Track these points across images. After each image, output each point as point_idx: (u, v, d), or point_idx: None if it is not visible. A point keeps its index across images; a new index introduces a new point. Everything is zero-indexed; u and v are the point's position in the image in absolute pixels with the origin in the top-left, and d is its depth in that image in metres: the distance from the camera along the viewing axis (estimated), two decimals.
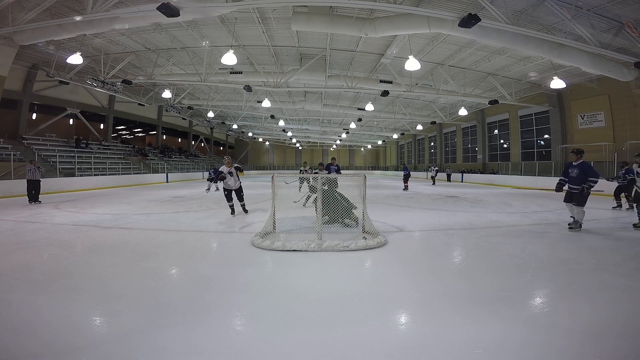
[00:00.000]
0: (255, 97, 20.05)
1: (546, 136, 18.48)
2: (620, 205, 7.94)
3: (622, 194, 7.89)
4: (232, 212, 7.10)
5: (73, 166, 16.36)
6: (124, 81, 14.93)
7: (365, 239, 4.51)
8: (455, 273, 3.44)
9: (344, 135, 35.23)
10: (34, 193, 9.42)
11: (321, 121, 29.15)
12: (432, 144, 32.45)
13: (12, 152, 14.04)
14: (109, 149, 21.98)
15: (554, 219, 6.47)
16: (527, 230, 5.49)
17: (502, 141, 22.48)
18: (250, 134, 38.15)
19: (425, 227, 5.87)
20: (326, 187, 5.54)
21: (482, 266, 3.60)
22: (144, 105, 20.89)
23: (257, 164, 47.10)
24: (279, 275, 3.41)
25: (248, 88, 15.11)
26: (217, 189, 13.93)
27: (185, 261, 3.79)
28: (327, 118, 27.74)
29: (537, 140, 19.34)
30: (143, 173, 20.94)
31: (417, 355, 1.89)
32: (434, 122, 24.92)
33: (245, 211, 7.29)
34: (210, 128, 36.64)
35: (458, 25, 7.90)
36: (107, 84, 14.59)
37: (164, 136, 31.14)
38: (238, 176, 7.19)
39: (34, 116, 18.83)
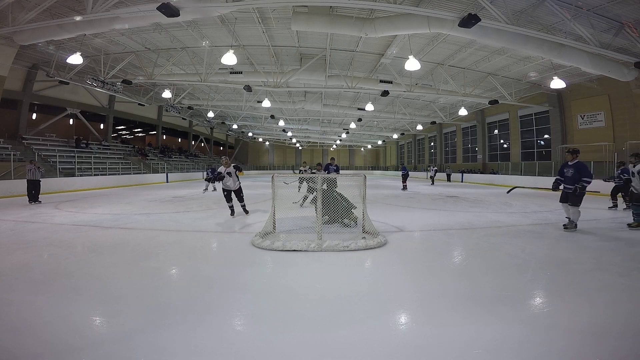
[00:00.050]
0: (255, 97, 20.05)
1: (546, 136, 18.49)
2: (616, 205, 7.95)
3: (619, 194, 7.89)
4: (232, 212, 7.00)
5: (73, 166, 16.36)
6: (124, 81, 14.93)
7: (365, 239, 4.51)
8: (455, 273, 3.44)
9: (344, 135, 35.23)
10: (34, 193, 9.42)
11: (321, 121, 29.14)
12: (432, 144, 32.45)
13: (12, 152, 14.04)
14: (109, 149, 21.98)
15: (554, 219, 6.47)
16: (527, 230, 5.49)
17: (502, 141, 22.48)
18: (250, 134, 38.15)
19: (425, 227, 5.87)
20: (325, 187, 5.54)
21: (482, 266, 3.60)
22: (144, 105, 20.88)
23: (257, 164, 47.10)
24: (279, 275, 3.41)
25: (248, 88, 15.11)
26: (215, 189, 13.92)
27: (185, 261, 3.79)
28: (327, 118, 27.74)
29: (537, 140, 19.34)
30: (143, 173, 20.94)
31: (417, 355, 1.89)
32: (434, 122, 24.91)
33: (246, 212, 7.21)
34: (210, 128, 36.64)
35: (458, 25, 7.90)
36: (107, 84, 14.59)
37: (164, 136, 31.14)
38: (237, 176, 7.08)
39: (34, 116, 18.82)
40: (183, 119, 27.33)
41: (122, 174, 18.74)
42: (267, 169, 44.94)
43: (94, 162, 17.72)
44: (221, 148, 44.04)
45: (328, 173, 9.03)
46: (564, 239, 4.87)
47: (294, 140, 42.77)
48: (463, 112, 18.72)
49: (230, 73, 13.77)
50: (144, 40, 12.50)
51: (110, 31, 10.68)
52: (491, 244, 4.62)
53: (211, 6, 7.76)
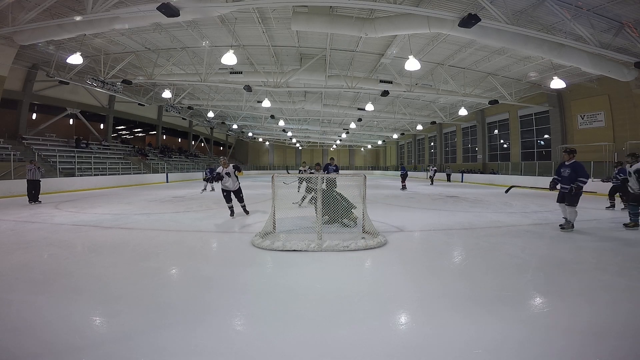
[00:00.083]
0: (255, 97, 20.05)
1: (546, 136, 18.49)
2: (613, 205, 7.94)
3: (617, 194, 7.89)
4: (232, 213, 6.90)
5: (73, 166, 16.36)
6: (124, 81, 14.93)
7: (365, 239, 4.51)
8: (455, 273, 3.44)
9: (344, 135, 35.23)
10: (34, 193, 9.42)
11: (321, 121, 29.14)
12: (432, 144, 32.45)
13: (12, 152, 14.05)
14: (109, 149, 21.99)
15: (554, 219, 6.46)
16: (527, 230, 5.49)
17: (502, 141, 22.48)
18: (250, 134, 38.15)
19: (425, 227, 5.87)
20: (325, 187, 5.53)
21: (482, 266, 3.60)
22: (144, 105, 20.88)
23: (257, 164, 47.09)
24: (279, 275, 3.41)
25: (248, 88, 15.11)
26: (213, 189, 13.90)
27: (185, 261, 3.79)
28: (327, 118, 27.74)
29: (537, 140, 19.34)
30: (143, 173, 20.94)
31: (417, 355, 1.89)
32: (434, 122, 24.92)
33: (246, 212, 7.14)
34: (210, 128, 36.64)
35: (458, 25, 7.90)
36: (107, 84, 14.59)
37: (164, 136, 31.14)
38: (237, 176, 6.99)
39: (34, 116, 18.82)
40: (183, 119, 27.32)
41: (122, 174, 18.74)
42: (267, 169, 44.93)
43: (94, 162, 17.72)
44: (221, 148, 44.03)
45: (327, 173, 9.02)
46: (564, 239, 4.87)
47: (294, 140, 42.77)
48: (463, 112, 18.72)
49: (230, 73, 13.77)
50: (144, 40, 12.50)
51: (110, 31, 10.68)
52: (491, 244, 4.62)
53: (211, 6, 7.76)
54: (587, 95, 15.34)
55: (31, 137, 17.24)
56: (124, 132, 30.73)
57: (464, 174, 23.37)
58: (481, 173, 22.45)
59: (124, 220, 6.51)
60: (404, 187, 15.57)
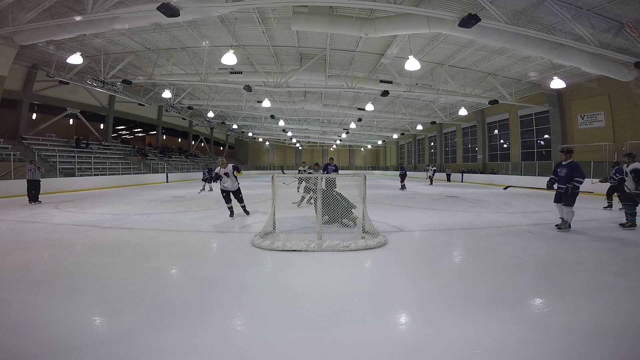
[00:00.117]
0: (255, 97, 20.05)
1: (546, 136, 18.49)
2: (611, 205, 7.94)
3: (615, 194, 7.90)
4: (231, 214, 6.81)
5: (73, 166, 16.36)
6: (124, 81, 14.93)
7: (365, 239, 4.51)
8: (455, 273, 3.44)
9: (344, 135, 35.23)
10: (34, 193, 9.42)
11: (321, 121, 29.14)
12: (432, 144, 32.45)
13: (12, 152, 14.05)
14: (109, 149, 21.99)
15: (554, 219, 6.44)
16: (527, 230, 5.49)
17: (502, 141, 22.48)
18: (250, 134, 38.14)
19: (425, 227, 5.87)
20: (325, 187, 5.53)
21: (482, 266, 3.60)
22: (144, 105, 20.88)
23: (257, 164, 47.10)
24: (279, 275, 3.41)
25: (248, 88, 15.11)
26: (211, 189, 13.89)
27: (185, 261, 3.79)
28: (327, 118, 27.73)
29: (537, 140, 19.34)
30: (143, 173, 20.94)
31: (417, 355, 1.89)
32: (434, 122, 24.91)
33: (247, 212, 7.06)
34: (210, 128, 36.64)
35: (458, 25, 7.89)
36: (107, 84, 14.59)
37: (164, 136, 31.14)
38: (236, 177, 6.88)
39: (34, 116, 18.83)
40: (183, 119, 27.33)
41: (122, 174, 18.74)
42: (267, 169, 44.93)
43: (94, 162, 17.73)
44: (221, 148, 44.04)
45: (327, 173, 9.01)
46: (563, 239, 4.87)
47: (294, 140, 42.77)
48: (463, 112, 18.72)
49: (230, 73, 13.76)
50: (144, 40, 12.50)
51: (110, 31, 10.68)
52: (491, 244, 4.62)
53: (211, 6, 7.76)
54: (587, 95, 15.35)
55: (31, 137, 17.24)
56: (124, 132, 30.74)
57: (464, 174, 23.37)
58: (481, 173, 22.44)
59: (124, 220, 6.51)
60: (403, 187, 15.58)
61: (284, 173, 7.77)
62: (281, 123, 26.73)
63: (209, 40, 12.13)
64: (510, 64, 13.80)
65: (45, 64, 15.16)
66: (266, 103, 17.59)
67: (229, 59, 9.93)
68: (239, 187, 6.93)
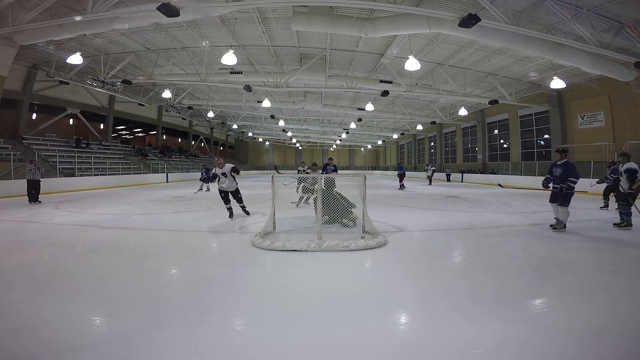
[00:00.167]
0: (255, 97, 20.05)
1: (546, 136, 18.48)
2: (607, 205, 7.94)
3: (612, 194, 7.90)
4: (230, 215, 6.67)
5: (73, 166, 16.36)
6: (124, 81, 14.93)
7: (365, 238, 4.51)
8: (455, 273, 3.44)
9: (344, 135, 35.23)
10: (34, 193, 9.42)
11: (321, 121, 29.14)
12: (432, 144, 32.45)
13: (12, 152, 14.04)
14: (109, 149, 21.98)
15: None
16: (527, 230, 5.49)
17: (502, 141, 22.48)
18: (250, 134, 38.15)
19: (425, 227, 5.87)
20: (324, 187, 5.53)
21: (482, 266, 3.60)
22: (144, 105, 20.88)
23: (257, 164, 47.11)
24: (279, 275, 3.41)
25: (248, 88, 15.11)
26: (208, 189, 13.87)
27: (185, 261, 3.79)
28: (327, 118, 27.74)
29: (537, 140, 19.34)
30: (143, 173, 20.94)
31: (417, 355, 1.89)
32: (434, 122, 24.91)
33: (247, 213, 6.98)
34: (210, 128, 36.63)
35: (458, 25, 7.90)
36: (107, 84, 14.60)
37: (164, 136, 31.13)
38: (234, 177, 6.75)
39: (34, 116, 18.82)
40: (183, 119, 27.32)
41: (122, 174, 18.73)
42: (267, 169, 44.93)
43: (94, 162, 17.72)
44: (221, 148, 44.02)
45: (326, 173, 9.00)
46: (563, 239, 4.87)
47: (294, 140, 42.78)
48: (463, 112, 18.72)
49: (230, 73, 13.76)
50: (144, 40, 12.50)
51: (110, 31, 10.68)
52: (491, 244, 4.62)
53: (211, 6, 7.76)
54: (587, 95, 15.35)
55: (31, 137, 17.23)
56: (124, 132, 30.73)
57: (464, 174, 23.37)
58: (481, 173, 22.44)
59: (124, 220, 6.50)
60: (401, 187, 15.56)
61: (278, 172, 7.68)
62: (281, 123, 26.73)
63: (209, 40, 12.13)
64: (510, 64, 13.80)
65: (45, 64, 15.16)
66: (266, 103, 17.59)
67: (229, 59, 9.93)
68: (237, 188, 6.83)
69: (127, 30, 11.10)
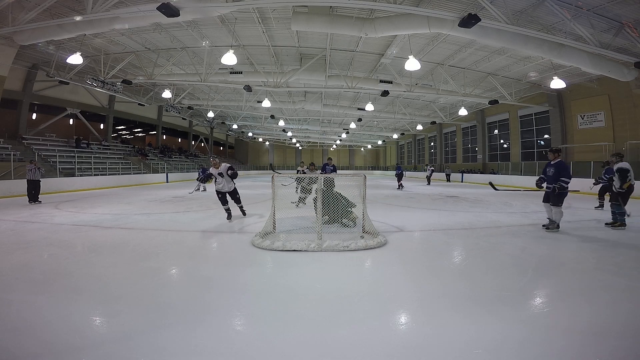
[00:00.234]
0: (255, 97, 20.05)
1: (546, 136, 18.49)
2: (602, 205, 7.94)
3: (607, 194, 7.91)
4: (229, 216, 6.50)
5: (73, 166, 16.36)
6: (124, 81, 14.93)
7: (365, 238, 4.51)
8: (455, 273, 3.44)
9: (344, 135, 35.23)
10: (34, 193, 9.42)
11: (321, 121, 29.14)
12: (432, 144, 32.45)
13: (12, 152, 14.04)
14: (109, 149, 21.98)
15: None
16: (527, 230, 5.49)
17: (502, 141, 22.48)
18: (250, 134, 38.15)
19: (425, 227, 5.87)
20: (324, 187, 5.53)
21: (482, 266, 3.60)
22: (144, 105, 20.88)
23: (257, 164, 47.10)
24: (279, 275, 3.41)
25: (248, 88, 15.11)
26: (205, 189, 13.85)
27: (185, 261, 3.79)
28: (327, 118, 27.74)
29: (537, 140, 19.34)
30: (143, 173, 20.94)
31: (417, 355, 1.89)
32: (434, 122, 24.91)
33: (244, 213, 6.88)
34: (210, 128, 36.65)
35: (458, 25, 7.90)
36: (107, 84, 14.59)
37: (164, 136, 31.13)
38: (231, 177, 6.49)
39: (34, 116, 18.82)
40: (183, 119, 27.33)
41: (122, 174, 18.73)
42: (267, 169, 44.91)
43: (94, 162, 17.72)
44: (221, 148, 44.03)
45: (325, 173, 8.99)
46: (563, 239, 4.87)
47: (294, 140, 42.77)
48: (463, 112, 18.72)
49: (230, 73, 13.76)
50: (144, 40, 12.50)
51: (110, 31, 10.68)
52: (491, 244, 4.62)
53: (211, 6, 7.76)
54: (587, 95, 15.34)
55: (31, 137, 17.23)
56: (124, 132, 30.73)
57: (464, 174, 23.36)
58: (481, 173, 22.43)
59: (124, 220, 6.50)
60: (400, 187, 15.55)
61: (275, 171, 7.58)
62: (281, 123, 26.73)
63: (209, 40, 12.13)
64: (510, 64, 13.80)
65: (45, 64, 15.16)
66: (266, 103, 17.59)
67: (229, 59, 9.93)
68: (235, 188, 6.64)
69: (127, 30, 11.10)
